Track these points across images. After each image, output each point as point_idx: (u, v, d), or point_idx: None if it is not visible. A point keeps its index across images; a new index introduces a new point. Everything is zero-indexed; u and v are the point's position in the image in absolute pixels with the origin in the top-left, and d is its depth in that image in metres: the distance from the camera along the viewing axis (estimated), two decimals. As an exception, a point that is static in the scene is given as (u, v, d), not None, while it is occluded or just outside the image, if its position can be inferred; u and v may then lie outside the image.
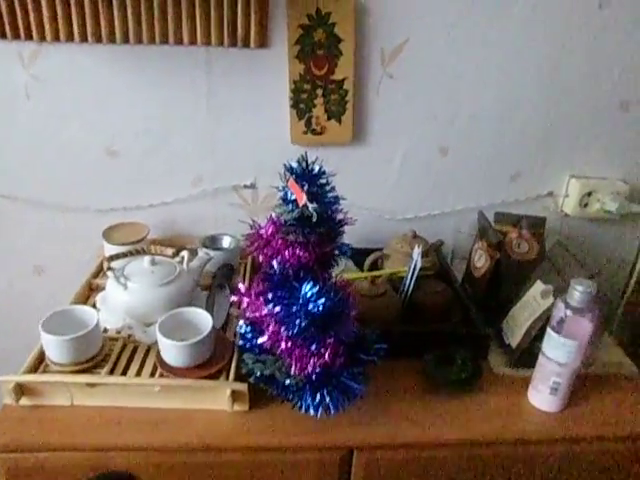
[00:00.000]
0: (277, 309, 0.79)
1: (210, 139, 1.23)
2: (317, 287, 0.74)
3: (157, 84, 1.18)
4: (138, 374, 0.92)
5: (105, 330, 1.02)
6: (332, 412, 0.81)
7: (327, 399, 0.81)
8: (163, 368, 0.91)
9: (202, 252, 1.16)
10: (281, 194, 0.80)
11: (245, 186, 1.28)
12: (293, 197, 0.76)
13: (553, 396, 0.92)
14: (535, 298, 1.02)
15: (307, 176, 0.75)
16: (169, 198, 1.28)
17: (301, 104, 1.18)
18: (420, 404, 0.94)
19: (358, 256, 1.22)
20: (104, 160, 1.24)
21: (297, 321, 0.75)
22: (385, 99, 1.22)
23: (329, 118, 1.20)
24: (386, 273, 1.17)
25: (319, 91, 1.17)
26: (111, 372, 0.91)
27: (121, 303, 1.02)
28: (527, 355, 1.00)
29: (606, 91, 1.24)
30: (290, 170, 0.76)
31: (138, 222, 1.24)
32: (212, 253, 1.17)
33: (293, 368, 0.80)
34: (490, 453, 0.91)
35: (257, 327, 0.88)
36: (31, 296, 1.37)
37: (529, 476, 0.94)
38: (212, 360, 0.93)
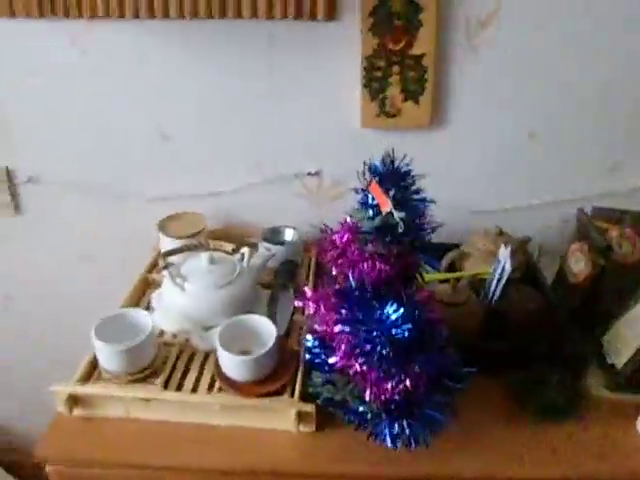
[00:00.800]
0: (350, 330, 0.68)
1: (271, 122, 1.13)
2: (402, 309, 0.63)
3: (214, 62, 1.08)
4: (195, 386, 0.85)
5: (161, 333, 0.95)
6: (413, 446, 0.71)
7: (407, 431, 0.70)
8: (223, 382, 0.83)
9: (263, 248, 1.07)
10: (359, 197, 0.68)
11: (309, 174, 1.17)
12: (374, 202, 0.65)
13: (672, 433, 0.78)
14: (648, 313, 0.87)
15: (393, 178, 0.63)
16: (226, 186, 1.19)
17: (374, 83, 1.05)
18: (509, 433, 0.82)
19: (431, 252, 1.09)
20: (157, 144, 1.16)
21: (377, 348, 0.64)
22: (468, 77, 1.07)
23: (406, 99, 1.06)
24: (468, 275, 1.04)
25: (395, 68, 1.04)
26: (167, 383, 0.84)
27: (177, 305, 0.95)
28: (634, 378, 0.87)
29: None
30: (373, 170, 0.65)
31: (195, 212, 1.16)
32: (274, 248, 1.07)
33: (368, 394, 0.70)
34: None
35: (327, 343, 0.78)
36: (82, 287, 1.32)
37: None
38: (275, 374, 0.84)
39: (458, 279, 1.02)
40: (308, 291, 0.83)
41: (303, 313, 0.93)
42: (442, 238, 1.15)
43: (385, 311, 0.64)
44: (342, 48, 1.04)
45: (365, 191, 0.66)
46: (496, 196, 1.18)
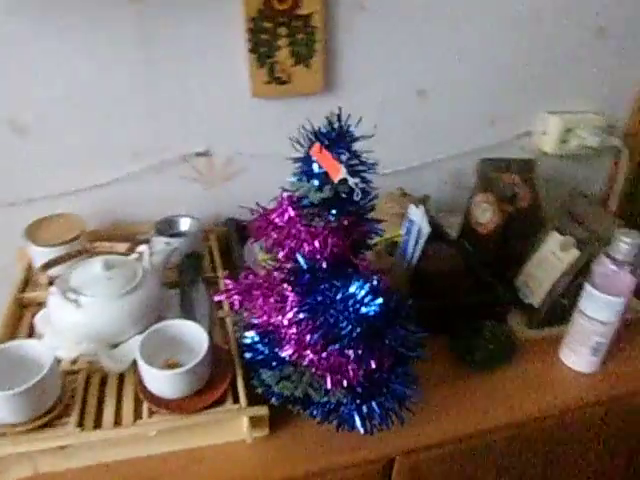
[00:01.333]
0: (308, 316, 0.61)
1: (148, 101, 0.98)
2: (367, 284, 0.58)
3: (73, 34, 0.90)
4: (118, 415, 0.71)
5: (58, 362, 0.78)
6: (386, 426, 0.67)
7: (377, 412, 0.66)
8: (152, 403, 0.71)
9: (162, 242, 0.94)
10: (299, 167, 0.61)
11: (198, 154, 1.05)
12: (321, 170, 0.58)
13: (595, 357, 0.85)
14: (553, 252, 0.93)
15: (344, 142, 0.56)
16: (103, 179, 1.02)
17: (262, 47, 0.96)
18: (456, 390, 0.82)
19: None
20: (10, 138, 0.95)
21: (347, 329, 0.58)
22: (357, 37, 1.03)
23: (296, 63, 0.99)
24: (383, 240, 1.02)
25: (282, 30, 0.96)
26: (81, 420, 0.70)
27: (74, 325, 0.78)
28: (551, 313, 0.92)
29: (582, 18, 1.15)
30: (318, 135, 0.57)
31: (69, 213, 0.97)
32: (173, 241, 0.95)
33: (329, 382, 0.64)
34: (537, 427, 0.83)
35: (271, 336, 0.70)
36: None
37: (572, 442, 0.88)
38: (211, 382, 0.74)
39: (375, 245, 1.00)
40: (229, 283, 0.74)
41: (231, 308, 0.83)
42: None
43: (350, 289, 0.58)
44: (223, 10, 0.93)
45: (307, 159, 0.58)
46: (392, 158, 1.17)
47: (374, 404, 0.66)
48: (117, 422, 0.71)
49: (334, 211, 0.59)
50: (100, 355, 0.78)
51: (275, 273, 0.67)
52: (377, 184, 1.13)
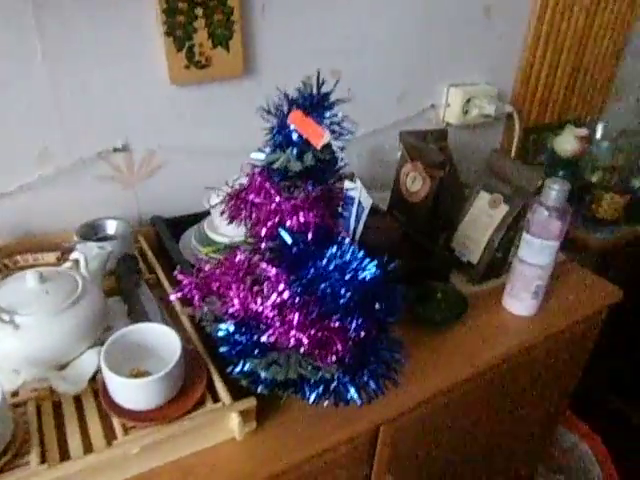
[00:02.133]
0: (298, 292, 0.59)
1: (53, 95, 0.87)
2: (361, 250, 0.57)
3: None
4: (87, 441, 0.64)
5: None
6: (381, 392, 0.67)
7: (371, 382, 0.66)
8: (127, 417, 0.64)
9: (95, 247, 0.85)
10: (272, 138, 0.58)
11: (115, 149, 0.96)
12: (298, 139, 0.56)
13: (535, 300, 0.92)
14: (483, 210, 1.00)
15: (323, 106, 0.55)
16: (8, 186, 0.89)
17: (178, 30, 0.90)
18: (421, 351, 0.84)
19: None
20: None
21: (346, 298, 0.57)
22: (273, 19, 1.01)
23: (214, 45, 0.94)
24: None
25: (199, 10, 0.91)
26: (43, 455, 0.61)
27: (11, 350, 0.68)
28: (489, 268, 0.99)
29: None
30: (296, 101, 0.55)
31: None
32: (107, 245, 0.86)
33: (319, 358, 0.63)
34: (496, 372, 0.89)
35: (250, 323, 0.67)
36: None
37: (524, 376, 0.96)
38: (185, 386, 0.69)
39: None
40: (185, 278, 0.70)
41: (189, 304, 0.77)
42: None
43: (345, 256, 0.56)
44: (132, -12, 0.86)
45: (282, 128, 0.56)
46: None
47: (366, 373, 0.66)
48: (87, 449, 0.63)
49: (312, 180, 0.58)
50: (51, 379, 0.68)
51: (252, 256, 0.63)
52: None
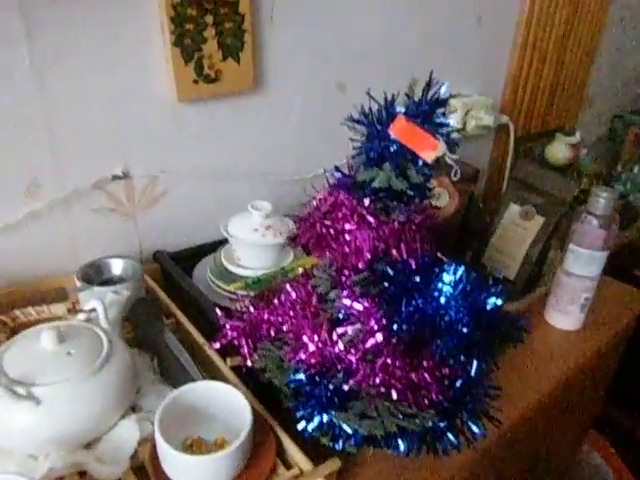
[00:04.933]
0: (395, 330, 0.50)
1: (43, 116, 0.74)
2: (472, 272, 0.49)
3: None
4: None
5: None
6: (482, 436, 0.59)
7: (471, 424, 0.58)
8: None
9: (108, 292, 0.72)
10: (364, 152, 0.49)
11: (114, 177, 0.83)
12: (397, 151, 0.48)
13: (582, 314, 0.88)
14: (516, 223, 0.95)
15: (427, 113, 0.47)
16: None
17: (186, 39, 0.80)
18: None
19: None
20: None
21: (465, 332, 0.49)
22: (281, 27, 0.92)
23: (225, 57, 0.85)
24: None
25: (209, 18, 0.81)
26: None
27: (33, 430, 0.55)
28: (529, 282, 0.94)
29: (464, 8, 1.21)
30: (398, 107, 0.47)
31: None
32: (121, 289, 0.73)
33: (412, 403, 0.54)
34: (552, 398, 0.83)
35: (328, 370, 0.57)
36: None
37: (570, 397, 0.91)
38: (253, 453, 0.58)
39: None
40: (230, 323, 0.61)
41: (238, 353, 0.66)
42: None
43: (461, 285, 0.48)
44: (136, -5, 0.75)
45: (380, 139, 0.48)
46: (319, 158, 1.08)
47: (465, 414, 0.57)
48: None
49: (415, 200, 0.50)
50: (83, 462, 0.55)
51: (329, 290, 0.54)
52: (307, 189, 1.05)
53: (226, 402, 0.57)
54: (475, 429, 0.57)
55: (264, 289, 0.73)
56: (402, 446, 0.57)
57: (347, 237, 0.49)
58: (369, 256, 0.48)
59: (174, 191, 0.91)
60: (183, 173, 0.90)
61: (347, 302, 0.53)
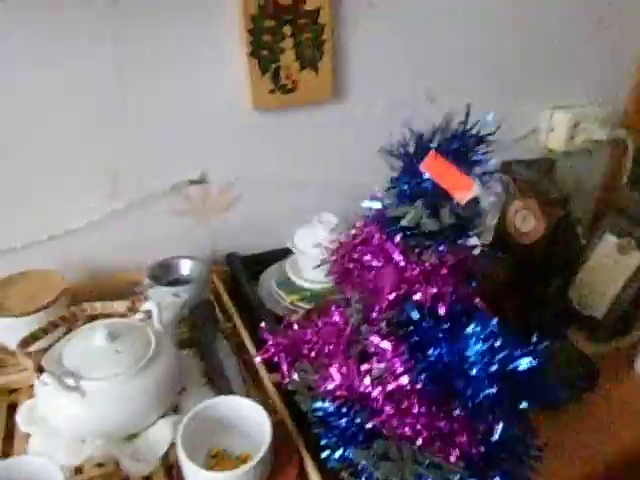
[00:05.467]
0: (418, 377, 0.47)
1: (125, 120, 0.80)
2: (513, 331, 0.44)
3: (33, 35, 0.71)
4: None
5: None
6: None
7: (505, 482, 0.52)
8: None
9: (169, 294, 0.76)
10: (397, 186, 0.47)
11: (191, 182, 0.88)
12: (432, 188, 0.44)
13: (680, 368, 0.77)
14: (610, 255, 0.85)
15: (460, 150, 0.43)
16: (76, 222, 0.82)
17: (264, 50, 0.81)
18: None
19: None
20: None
21: (485, 391, 0.45)
22: (365, 36, 0.90)
23: (302, 67, 0.85)
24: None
25: (287, 29, 0.81)
26: None
27: (76, 420, 0.59)
28: (618, 324, 0.84)
29: (582, 10, 1.09)
30: (423, 140, 0.44)
31: (41, 270, 0.77)
32: (182, 292, 0.77)
33: (454, 454, 0.50)
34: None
35: (355, 404, 0.55)
36: None
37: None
38: (274, 469, 0.58)
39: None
40: (271, 338, 0.60)
41: (277, 370, 0.66)
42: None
43: (491, 340, 0.44)
44: (217, 6, 0.77)
45: (411, 174, 0.45)
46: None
47: (498, 474, 0.52)
48: None
49: (444, 241, 0.46)
50: (118, 456, 0.59)
51: (361, 323, 0.52)
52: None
53: (252, 418, 0.58)
54: (507, 492, 0.52)
55: (319, 305, 0.73)
56: (424, 497, 0.53)
57: (370, 274, 0.47)
58: (391, 297, 0.46)
59: (248, 197, 0.94)
60: (258, 180, 0.92)
61: (375, 339, 0.51)
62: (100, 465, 0.60)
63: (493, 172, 0.43)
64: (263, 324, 0.68)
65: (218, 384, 0.68)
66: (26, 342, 0.63)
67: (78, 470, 0.59)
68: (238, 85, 0.83)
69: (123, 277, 0.83)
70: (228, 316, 0.82)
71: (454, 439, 0.51)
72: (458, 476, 0.51)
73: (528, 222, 0.90)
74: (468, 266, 0.48)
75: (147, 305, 0.69)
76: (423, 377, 0.46)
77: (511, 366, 0.44)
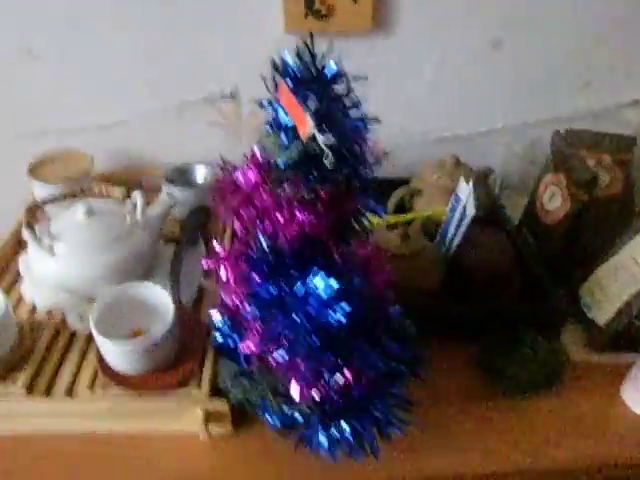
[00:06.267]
0: (261, 312, 0.48)
1: (166, 33, 0.86)
2: (334, 282, 0.43)
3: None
4: (73, 383, 0.64)
5: (32, 309, 0.73)
6: (357, 456, 0.53)
7: (349, 436, 0.52)
8: (107, 375, 0.63)
9: (164, 193, 0.84)
10: (269, 115, 0.46)
11: (223, 97, 0.93)
12: (290, 122, 0.43)
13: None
14: (635, 260, 0.72)
15: (315, 83, 0.41)
16: (116, 117, 0.93)
17: (299, -28, 0.80)
18: (476, 417, 0.66)
19: (373, 192, 0.90)
20: (22, 64, 0.88)
21: (302, 336, 0.45)
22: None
23: (339, -7, 0.82)
24: (420, 217, 0.85)
25: (325, -51, 0.79)
26: (32, 382, 0.63)
27: (49, 273, 0.72)
28: (619, 336, 0.72)
29: None
30: (283, 71, 0.42)
31: (78, 151, 0.90)
32: (178, 193, 0.84)
33: (296, 391, 0.51)
34: None
35: (238, 323, 0.58)
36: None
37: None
38: (179, 360, 0.64)
39: (408, 223, 0.84)
40: (220, 249, 0.63)
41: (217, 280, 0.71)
42: (387, 172, 0.97)
43: (310, 284, 0.44)
44: None
45: (274, 104, 0.44)
46: (452, 119, 0.98)
47: (345, 426, 0.52)
48: (69, 391, 0.63)
49: (314, 178, 0.45)
50: (69, 312, 0.71)
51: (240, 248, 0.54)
52: (430, 151, 0.96)
53: (165, 305, 0.64)
54: (346, 446, 0.52)
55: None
56: (274, 419, 0.55)
57: (235, 197, 0.48)
58: (243, 222, 0.47)
59: (279, 120, 0.96)
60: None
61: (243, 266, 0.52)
62: (52, 316, 0.72)
63: (328, 115, 0.40)
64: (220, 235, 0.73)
65: (174, 280, 0.75)
66: (35, 205, 0.76)
67: (49, 313, 0.72)
68: (271, 7, 0.84)
69: (147, 171, 0.93)
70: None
71: (309, 381, 0.52)
72: (298, 412, 0.53)
73: (555, 200, 0.80)
74: (338, 210, 0.46)
75: (134, 195, 0.77)
76: (254, 308, 0.47)
77: (327, 315, 0.43)
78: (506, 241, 0.81)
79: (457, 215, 0.80)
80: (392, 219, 0.85)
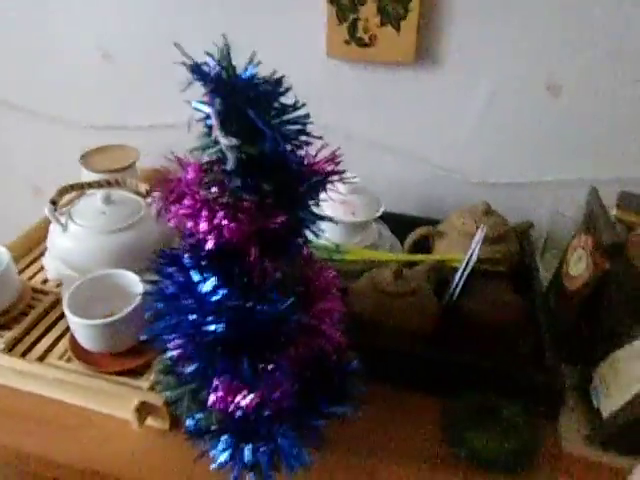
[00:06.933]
0: (164, 307, 0.48)
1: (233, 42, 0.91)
2: (223, 289, 0.42)
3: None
4: (48, 351, 0.69)
5: (45, 281, 0.80)
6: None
7: (247, 459, 0.50)
8: (73, 351, 0.67)
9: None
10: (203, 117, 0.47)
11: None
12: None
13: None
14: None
15: (227, 80, 0.42)
16: (175, 118, 1.00)
17: (343, 0, 0.81)
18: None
19: (401, 228, 0.87)
20: (98, 65, 0.99)
21: (187, 340, 0.44)
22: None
23: (383, 23, 0.81)
24: (432, 260, 0.80)
25: (371, -20, 0.79)
26: (15, 343, 0.69)
27: (60, 248, 0.78)
28: (624, 434, 0.61)
29: None
30: (197, 71, 0.43)
31: (127, 146, 0.98)
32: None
33: (211, 401, 0.50)
34: None
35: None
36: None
37: None
38: (145, 348, 0.66)
39: (415, 263, 0.79)
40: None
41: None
42: (418, 212, 0.94)
43: (200, 285, 0.43)
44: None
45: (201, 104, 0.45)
46: (496, 164, 0.91)
47: (245, 447, 0.50)
48: (42, 357, 0.68)
49: (238, 182, 0.45)
50: (66, 286, 0.76)
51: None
52: (467, 195, 0.91)
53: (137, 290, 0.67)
54: (246, 467, 0.50)
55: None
56: (189, 423, 0.54)
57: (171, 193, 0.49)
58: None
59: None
60: (328, 128, 0.94)
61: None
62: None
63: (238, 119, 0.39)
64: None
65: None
66: (65, 190, 0.83)
67: (59, 284, 0.79)
68: (314, 32, 0.85)
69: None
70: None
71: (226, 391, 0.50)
72: (207, 421, 0.52)
73: (580, 265, 0.71)
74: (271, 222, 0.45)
75: (156, 192, 0.82)
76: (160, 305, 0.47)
77: (209, 320, 0.42)
78: (515, 298, 0.73)
79: (465, 260, 0.74)
80: (399, 256, 0.81)
